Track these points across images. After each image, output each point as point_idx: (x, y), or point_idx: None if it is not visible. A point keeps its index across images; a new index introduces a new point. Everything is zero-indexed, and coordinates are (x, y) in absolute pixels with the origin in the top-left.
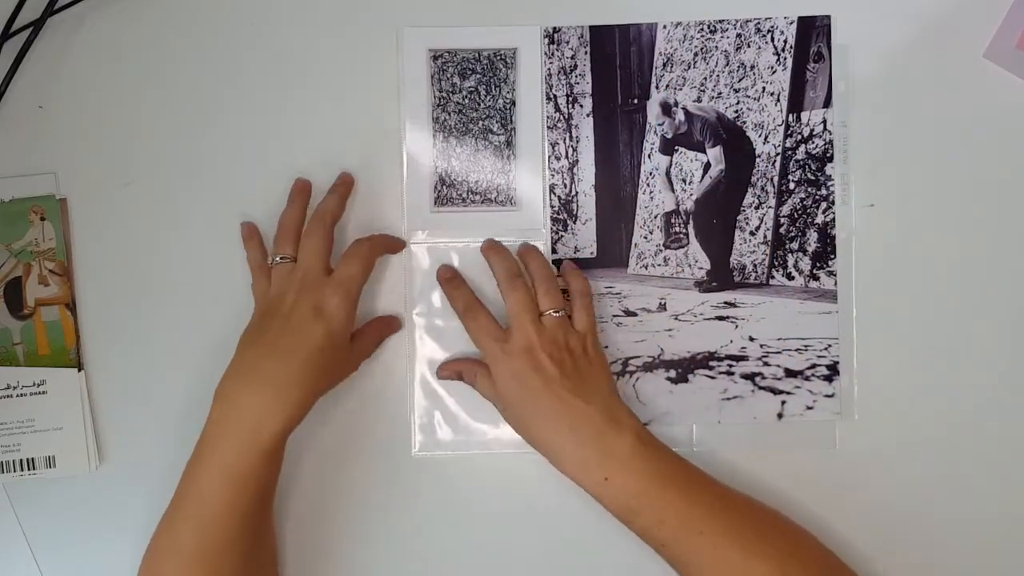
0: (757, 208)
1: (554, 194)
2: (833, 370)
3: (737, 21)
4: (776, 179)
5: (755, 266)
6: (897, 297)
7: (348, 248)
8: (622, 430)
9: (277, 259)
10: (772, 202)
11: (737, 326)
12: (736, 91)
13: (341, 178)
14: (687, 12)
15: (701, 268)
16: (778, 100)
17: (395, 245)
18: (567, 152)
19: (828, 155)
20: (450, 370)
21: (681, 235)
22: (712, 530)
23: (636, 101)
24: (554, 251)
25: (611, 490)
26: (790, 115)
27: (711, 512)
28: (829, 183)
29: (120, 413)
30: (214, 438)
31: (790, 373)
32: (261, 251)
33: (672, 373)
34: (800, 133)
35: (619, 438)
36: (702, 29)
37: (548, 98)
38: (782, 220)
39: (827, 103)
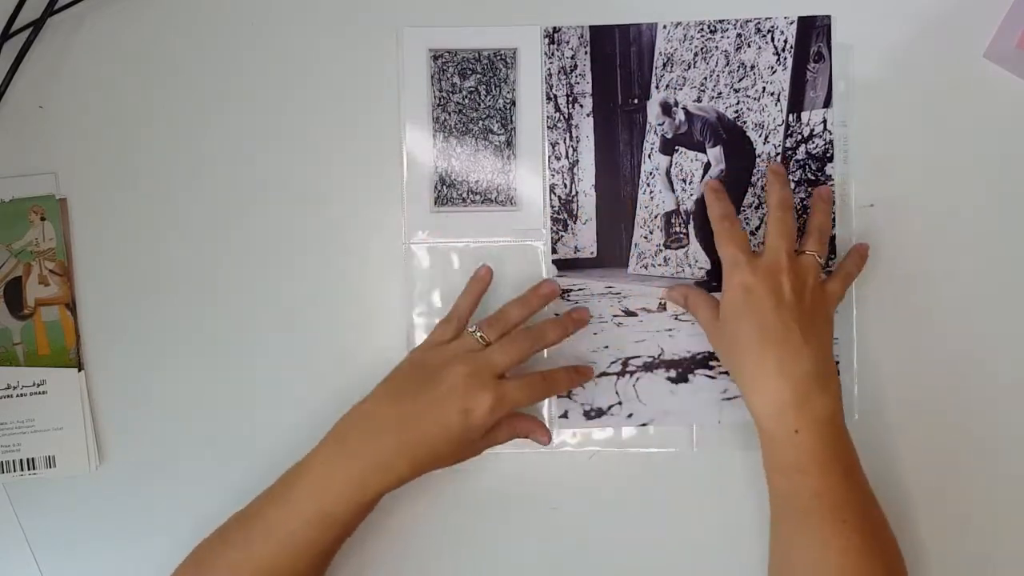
0: (757, 208)
1: (554, 194)
2: None
3: (737, 21)
4: None
5: None
6: (897, 297)
7: (531, 375)
8: (829, 390)
9: (477, 335)
10: None
11: None
12: (736, 91)
13: (577, 313)
14: (687, 12)
15: (701, 268)
16: (778, 100)
17: (576, 381)
18: (567, 152)
19: (828, 155)
20: (679, 292)
21: (681, 235)
22: (853, 525)
23: (636, 101)
24: (554, 251)
25: (793, 444)
26: (790, 115)
27: (862, 509)
28: (829, 183)
29: (120, 413)
30: (317, 478)
31: None
32: (474, 302)
33: (672, 373)
34: (800, 133)
35: (824, 397)
36: (702, 29)
37: (548, 98)
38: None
39: (827, 103)
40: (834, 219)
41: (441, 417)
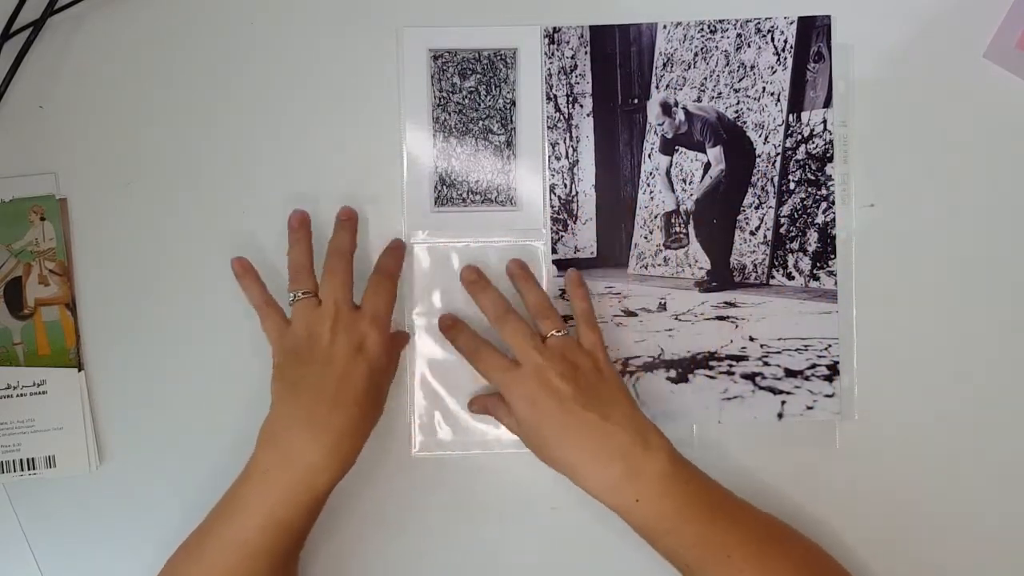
0: (757, 208)
1: (554, 194)
2: (833, 370)
3: (737, 21)
4: (776, 179)
5: (755, 266)
6: (897, 297)
7: (369, 282)
8: (651, 449)
9: (299, 295)
10: (772, 202)
11: (737, 326)
12: (736, 91)
13: (345, 213)
14: (687, 12)
15: (701, 268)
16: (778, 100)
17: (397, 255)
18: (567, 152)
19: (828, 155)
20: (479, 404)
21: (681, 235)
22: (740, 555)
23: (636, 101)
24: (554, 251)
25: (641, 511)
26: (790, 115)
27: (739, 537)
28: (829, 183)
29: (120, 413)
30: (262, 485)
31: (790, 373)
32: (260, 286)
33: (672, 373)
34: (800, 133)
35: (649, 458)
36: (702, 29)
37: (548, 98)
38: (782, 220)
39: (827, 103)
40: (832, 221)
41: (346, 373)
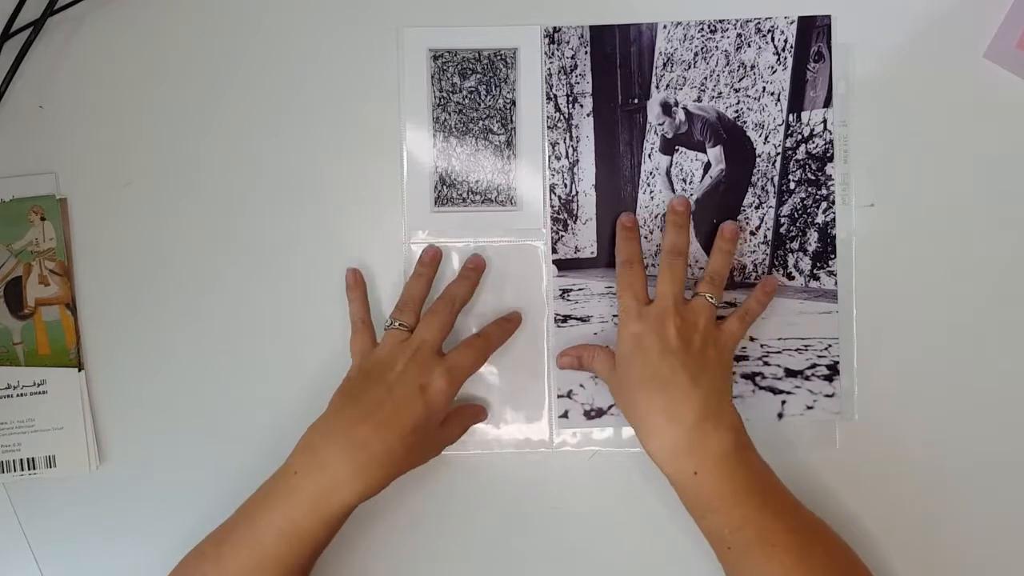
0: (757, 208)
1: (554, 194)
2: (833, 370)
3: (737, 21)
4: (776, 179)
5: (755, 266)
6: (897, 297)
7: (467, 338)
8: (721, 426)
9: (397, 324)
10: (772, 202)
11: None
12: (736, 91)
13: (473, 262)
14: (687, 12)
15: (701, 268)
16: (778, 100)
17: (508, 329)
18: (567, 152)
19: (828, 155)
20: (570, 356)
21: None
22: (783, 545)
23: (636, 101)
24: (554, 251)
25: (696, 485)
26: (790, 115)
27: (784, 527)
28: (829, 183)
29: (120, 413)
30: (286, 488)
31: (790, 373)
32: (365, 305)
33: None
34: (800, 133)
35: (716, 435)
36: (702, 29)
37: (548, 98)
38: (782, 220)
39: (827, 103)
40: (832, 221)
41: (401, 403)
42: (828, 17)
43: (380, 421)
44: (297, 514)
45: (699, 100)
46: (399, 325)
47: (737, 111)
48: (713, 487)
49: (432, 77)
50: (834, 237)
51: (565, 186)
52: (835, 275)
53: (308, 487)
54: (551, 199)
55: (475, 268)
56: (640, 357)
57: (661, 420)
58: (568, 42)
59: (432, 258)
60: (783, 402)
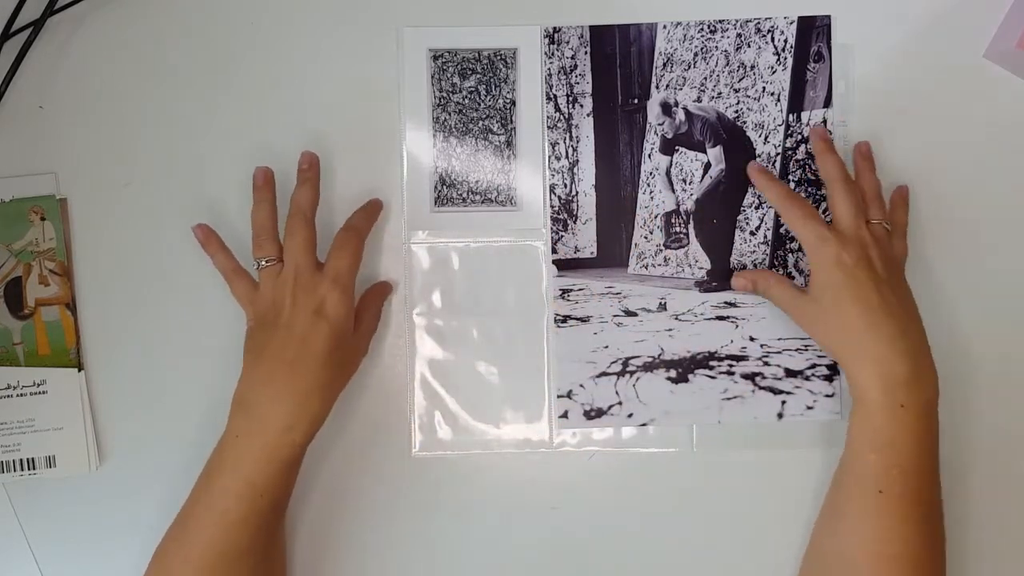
0: (757, 208)
1: (554, 194)
2: (833, 370)
3: (737, 21)
4: None
5: (755, 266)
6: None
7: (334, 240)
8: (933, 372)
9: (263, 262)
10: None
11: (737, 326)
12: (736, 91)
13: (306, 160)
14: (687, 12)
15: (701, 268)
16: (778, 100)
17: (371, 214)
18: (567, 152)
19: None
20: (746, 279)
21: (681, 235)
22: (930, 510)
23: (636, 101)
24: (554, 251)
25: (896, 419)
26: (790, 115)
27: (936, 491)
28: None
29: (120, 413)
30: (235, 450)
31: (790, 373)
32: (226, 252)
33: (672, 373)
34: (800, 133)
35: (930, 376)
36: (702, 29)
37: (548, 98)
38: (782, 220)
39: (827, 103)
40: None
41: (305, 337)
42: (828, 17)
43: (295, 359)
44: (251, 472)
45: (699, 100)
46: (266, 262)
47: (737, 111)
48: (912, 425)
49: (432, 77)
50: None
51: (565, 186)
52: None
53: (254, 444)
54: (551, 199)
55: (310, 166)
56: (853, 288)
57: (884, 351)
58: (568, 42)
59: (266, 180)
60: (783, 402)
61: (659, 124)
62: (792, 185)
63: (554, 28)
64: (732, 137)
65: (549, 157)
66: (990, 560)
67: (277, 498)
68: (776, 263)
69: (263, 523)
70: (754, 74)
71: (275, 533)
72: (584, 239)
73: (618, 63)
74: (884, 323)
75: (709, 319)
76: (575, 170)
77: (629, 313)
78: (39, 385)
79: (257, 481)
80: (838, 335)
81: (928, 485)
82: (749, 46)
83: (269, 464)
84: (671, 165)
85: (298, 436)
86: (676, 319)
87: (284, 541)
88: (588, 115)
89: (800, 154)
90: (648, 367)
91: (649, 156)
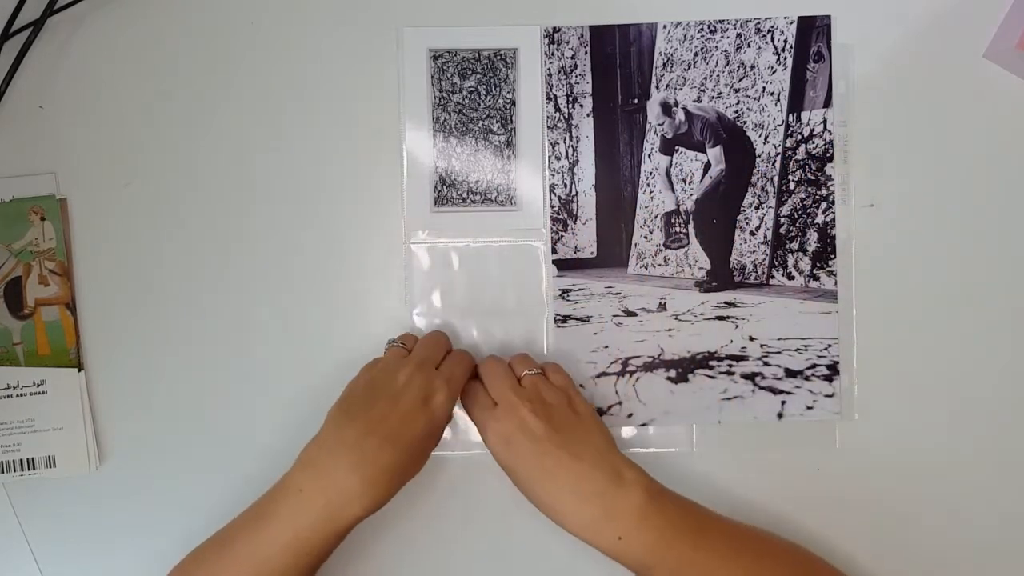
0: (757, 208)
1: (554, 194)
2: (833, 370)
3: (737, 21)
4: (776, 179)
5: (755, 266)
6: (897, 297)
7: (452, 353)
8: (626, 485)
9: (398, 343)
10: (772, 202)
11: (737, 326)
12: (736, 91)
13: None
14: (687, 12)
15: (701, 268)
16: (778, 100)
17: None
18: (567, 152)
19: (828, 155)
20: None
21: (681, 235)
22: (726, 575)
23: (636, 101)
24: (554, 251)
25: (625, 548)
26: (790, 115)
27: (725, 558)
28: (829, 183)
29: (120, 413)
30: (295, 505)
31: (790, 373)
32: (410, 340)
33: (672, 373)
34: (800, 133)
35: (624, 494)
36: (702, 29)
37: (548, 98)
38: (782, 220)
39: (827, 103)
40: (832, 221)
41: (407, 415)
42: (828, 17)
43: (387, 435)
44: (304, 530)
45: (699, 100)
46: (400, 344)
47: (737, 111)
48: (640, 545)
49: (432, 77)
50: (834, 237)
51: (565, 186)
52: (835, 275)
53: (316, 503)
54: (551, 199)
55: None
56: (518, 457)
57: (568, 504)
58: (568, 42)
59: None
60: (783, 402)
61: (659, 124)
62: (792, 185)
63: (554, 28)
64: (732, 137)
65: (549, 157)
66: (990, 560)
67: (320, 557)
68: (776, 263)
69: (301, 574)
70: (754, 74)
71: None
72: (584, 239)
73: (618, 63)
74: (554, 480)
75: (709, 319)
76: (575, 170)
77: (629, 313)
78: (39, 385)
79: (310, 539)
80: (534, 502)
81: (713, 563)
82: (749, 46)
83: (325, 526)
84: (671, 165)
85: (360, 510)
86: (676, 319)
87: None
88: (588, 115)
89: (800, 154)
90: (648, 367)
91: (649, 156)
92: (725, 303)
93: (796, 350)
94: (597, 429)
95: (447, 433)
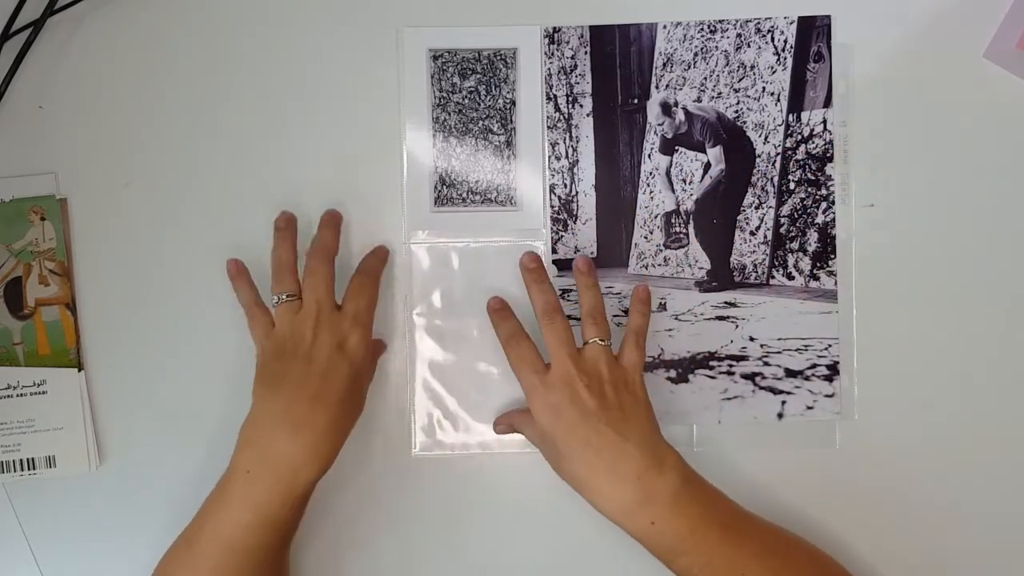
0: (757, 208)
1: (554, 194)
2: (833, 370)
3: (737, 21)
4: (776, 179)
5: (755, 266)
6: (897, 297)
7: (350, 283)
8: (665, 471)
9: (283, 297)
10: (772, 202)
11: (737, 326)
12: (736, 91)
13: (329, 214)
14: (687, 12)
15: (701, 268)
16: (778, 100)
17: (381, 258)
18: (567, 152)
19: (828, 155)
20: (504, 422)
21: (681, 235)
22: (754, 570)
23: (636, 101)
24: (554, 251)
25: (656, 533)
26: (790, 115)
27: (753, 553)
28: (829, 183)
29: (120, 413)
30: (245, 485)
31: (790, 373)
32: (252, 288)
33: (672, 373)
34: (800, 133)
35: (662, 479)
36: (702, 29)
37: (548, 98)
38: (782, 220)
39: (827, 103)
40: (832, 221)
41: (327, 371)
42: (828, 17)
43: (314, 395)
44: (263, 506)
45: (699, 100)
46: (286, 297)
47: (737, 111)
48: (672, 531)
49: (432, 77)
50: (834, 237)
51: (565, 186)
52: (835, 275)
53: (266, 480)
54: (551, 199)
55: (332, 218)
56: (563, 428)
57: (605, 483)
58: (568, 42)
59: (288, 221)
60: (783, 402)
61: (659, 124)
62: (792, 185)
63: (554, 28)
64: (732, 137)
65: (549, 157)
66: (990, 560)
67: (286, 531)
68: (776, 263)
69: (271, 553)
70: (754, 74)
71: (282, 561)
72: (584, 239)
73: (618, 63)
74: (596, 457)
75: (709, 319)
76: (575, 170)
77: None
78: (39, 385)
79: (267, 514)
80: (567, 474)
81: (738, 554)
82: (749, 46)
83: (280, 499)
84: (671, 165)
85: (312, 473)
86: (676, 319)
87: (288, 566)
88: (588, 115)
89: (800, 154)
90: (648, 367)
91: (649, 156)
92: (725, 303)
93: (796, 350)
94: (647, 413)
95: (446, 434)
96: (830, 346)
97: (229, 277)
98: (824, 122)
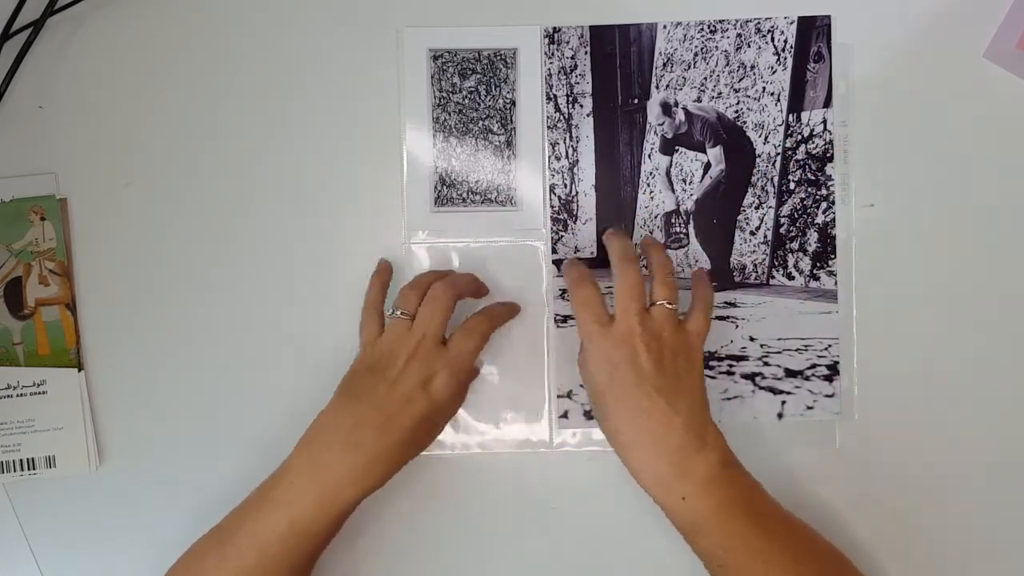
0: (757, 208)
1: (554, 194)
2: (833, 370)
3: (737, 21)
4: (776, 179)
5: (755, 266)
6: (897, 297)
7: (466, 321)
8: (705, 449)
9: (398, 312)
10: (772, 202)
11: (737, 326)
12: (736, 91)
13: (484, 286)
14: (687, 12)
15: (701, 267)
16: (778, 100)
17: (511, 312)
18: (567, 152)
19: (828, 155)
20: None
21: (681, 235)
22: (776, 561)
23: (636, 101)
24: (554, 251)
25: (685, 510)
26: (790, 115)
27: (777, 543)
28: (829, 183)
29: (120, 413)
30: (291, 491)
31: (790, 373)
32: (381, 293)
33: None
34: (800, 133)
35: (701, 458)
36: (702, 29)
37: (548, 98)
38: (782, 220)
39: (827, 103)
40: (832, 221)
41: (403, 402)
42: (828, 17)
43: (382, 423)
44: (301, 516)
45: (699, 100)
46: (402, 313)
47: (737, 111)
48: (702, 510)
49: (432, 77)
50: (834, 237)
51: (565, 186)
52: (835, 275)
53: (311, 490)
54: (551, 199)
55: (483, 284)
56: (616, 386)
57: (646, 451)
58: (568, 42)
59: (449, 274)
60: (783, 402)
61: (659, 124)
62: (792, 185)
63: (554, 28)
64: (732, 137)
65: (549, 157)
66: (990, 560)
67: (320, 541)
68: (776, 263)
69: (302, 560)
70: (754, 74)
71: (309, 568)
72: (584, 239)
73: (618, 63)
74: (643, 422)
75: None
76: (575, 170)
77: None
78: (39, 385)
79: (307, 525)
80: (611, 436)
81: (761, 544)
82: (749, 46)
83: (322, 512)
84: (671, 165)
85: (356, 493)
86: None
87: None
88: (588, 115)
89: (800, 154)
90: None
91: (649, 156)
92: (725, 303)
93: (796, 350)
94: (700, 386)
95: (447, 434)
96: (830, 346)
97: (375, 272)
98: (824, 122)
